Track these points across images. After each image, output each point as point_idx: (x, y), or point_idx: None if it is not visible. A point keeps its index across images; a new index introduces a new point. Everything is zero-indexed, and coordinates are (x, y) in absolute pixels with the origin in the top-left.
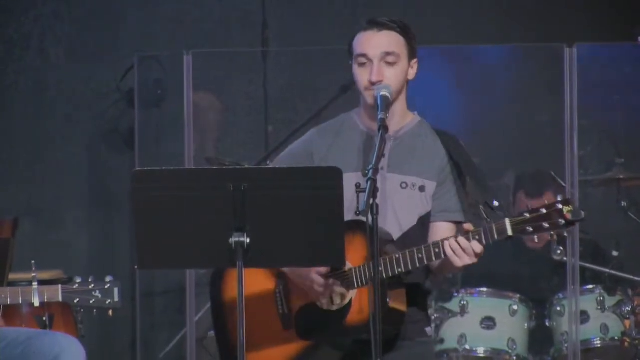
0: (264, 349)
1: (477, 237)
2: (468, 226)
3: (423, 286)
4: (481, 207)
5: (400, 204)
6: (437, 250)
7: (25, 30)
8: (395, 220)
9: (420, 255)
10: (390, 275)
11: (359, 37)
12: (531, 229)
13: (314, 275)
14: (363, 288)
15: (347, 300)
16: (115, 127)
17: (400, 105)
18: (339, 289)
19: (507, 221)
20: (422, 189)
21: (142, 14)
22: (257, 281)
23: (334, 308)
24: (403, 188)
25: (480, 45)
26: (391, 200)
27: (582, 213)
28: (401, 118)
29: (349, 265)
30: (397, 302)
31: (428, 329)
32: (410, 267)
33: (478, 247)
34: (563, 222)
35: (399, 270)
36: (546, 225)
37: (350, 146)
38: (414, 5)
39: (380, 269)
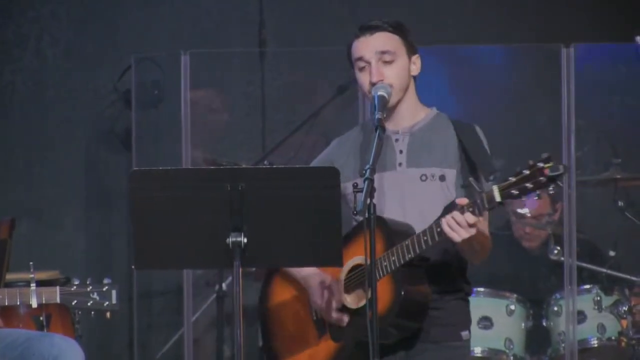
0: (303, 357)
1: (470, 209)
2: (461, 200)
3: (460, 287)
4: (471, 179)
5: (423, 197)
6: (438, 229)
7: (23, 31)
8: (419, 214)
9: (425, 238)
10: (402, 263)
11: (354, 44)
12: (517, 192)
13: (313, 298)
14: (380, 280)
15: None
16: (112, 128)
17: (409, 102)
18: (349, 290)
19: (495, 188)
20: (442, 178)
21: (140, 14)
22: (293, 290)
23: (354, 307)
24: (423, 180)
25: (478, 46)
26: (413, 195)
27: (561, 167)
28: (413, 114)
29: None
30: (415, 290)
31: (464, 333)
32: (418, 251)
33: (470, 218)
34: (544, 179)
35: (409, 256)
36: (530, 185)
37: (367, 148)
38: (413, 5)
39: (393, 258)
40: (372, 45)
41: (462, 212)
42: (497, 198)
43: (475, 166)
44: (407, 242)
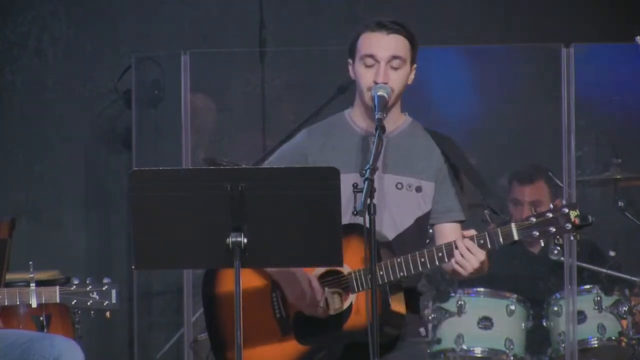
0: (261, 353)
1: (482, 241)
2: (468, 232)
3: (415, 288)
4: (486, 212)
5: (396, 205)
6: (440, 254)
7: (23, 31)
8: (391, 220)
9: (422, 260)
10: (392, 279)
11: (367, 37)
12: (537, 233)
13: (296, 285)
14: (363, 292)
15: (347, 305)
16: (112, 128)
17: (396, 108)
18: (333, 291)
19: (513, 225)
20: (418, 189)
21: (140, 14)
22: (251, 282)
23: (332, 313)
24: (398, 189)
25: (478, 46)
26: (386, 201)
27: (590, 218)
28: (394, 120)
29: (348, 269)
30: (399, 305)
31: (421, 330)
32: (412, 272)
33: (480, 254)
34: (570, 226)
35: (401, 274)
36: (553, 229)
37: (345, 147)
38: (412, 6)
39: (381, 273)
40: (386, 47)
41: (474, 242)
42: (515, 236)
43: (462, 185)
44: (399, 260)
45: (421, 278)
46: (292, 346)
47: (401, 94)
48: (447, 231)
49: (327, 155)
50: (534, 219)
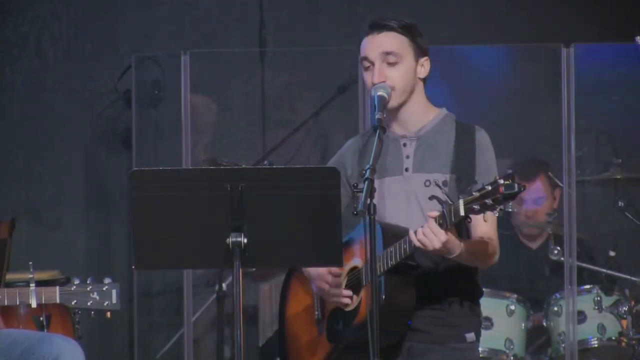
0: (303, 357)
1: (440, 221)
2: (433, 213)
3: (465, 289)
4: (443, 189)
5: (426, 202)
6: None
7: (23, 31)
8: (423, 219)
9: (405, 246)
10: (385, 269)
11: (363, 41)
12: (478, 207)
13: (318, 282)
14: (367, 286)
15: (359, 299)
16: (112, 128)
17: (416, 105)
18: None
19: (461, 202)
20: (444, 183)
21: (140, 14)
22: (301, 293)
23: (348, 308)
24: (427, 186)
25: (478, 46)
26: (417, 200)
27: (516, 186)
28: (421, 117)
29: (361, 263)
30: (397, 297)
31: (469, 335)
32: (399, 259)
33: (442, 235)
34: (500, 197)
35: (392, 262)
36: (489, 201)
37: (367, 151)
38: (413, 5)
39: (379, 263)
40: (377, 45)
41: (436, 221)
42: (461, 212)
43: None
44: (391, 249)
45: (475, 275)
46: (324, 345)
47: (408, 90)
48: (476, 222)
49: (361, 161)
50: (476, 193)
